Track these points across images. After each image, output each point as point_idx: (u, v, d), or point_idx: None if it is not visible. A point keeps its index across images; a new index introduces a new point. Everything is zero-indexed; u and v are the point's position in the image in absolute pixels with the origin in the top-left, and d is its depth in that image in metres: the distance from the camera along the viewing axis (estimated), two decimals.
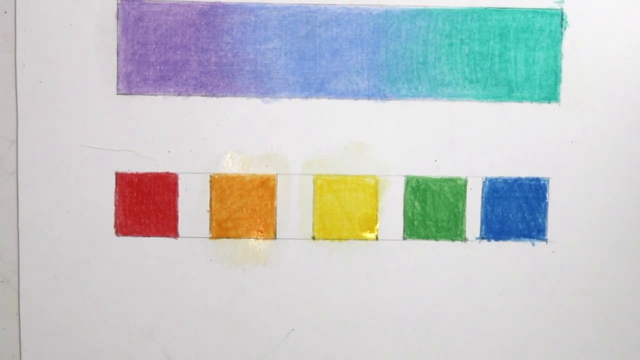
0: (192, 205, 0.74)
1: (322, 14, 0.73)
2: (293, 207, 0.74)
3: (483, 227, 0.75)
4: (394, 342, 0.76)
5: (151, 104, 0.73)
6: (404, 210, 0.75)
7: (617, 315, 0.76)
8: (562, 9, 0.73)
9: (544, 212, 0.75)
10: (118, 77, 0.73)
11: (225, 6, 0.72)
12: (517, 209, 0.75)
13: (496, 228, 0.75)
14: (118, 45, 0.73)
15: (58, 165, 0.73)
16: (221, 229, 0.74)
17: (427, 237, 0.75)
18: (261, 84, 0.73)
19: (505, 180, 0.74)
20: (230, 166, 0.74)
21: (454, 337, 0.76)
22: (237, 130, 0.73)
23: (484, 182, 0.74)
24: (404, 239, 0.75)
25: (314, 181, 0.74)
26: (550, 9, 0.73)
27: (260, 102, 0.73)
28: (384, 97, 0.73)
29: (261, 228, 0.74)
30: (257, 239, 0.74)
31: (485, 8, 0.73)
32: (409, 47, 0.73)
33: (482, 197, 0.74)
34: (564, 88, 0.74)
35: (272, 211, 0.74)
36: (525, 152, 0.74)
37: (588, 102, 0.74)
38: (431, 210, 0.74)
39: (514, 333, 0.76)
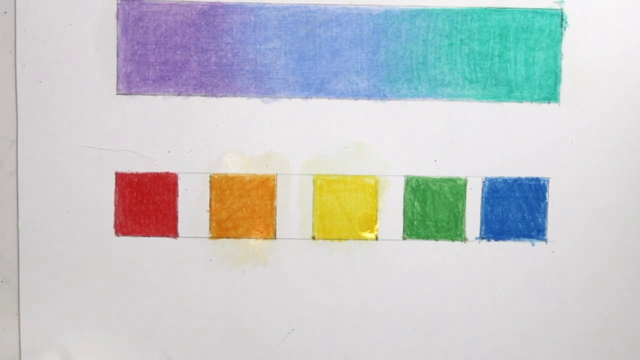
0: (192, 205, 0.74)
1: (321, 14, 0.73)
2: (293, 207, 0.74)
3: (483, 227, 0.75)
4: (394, 342, 0.76)
5: (151, 104, 0.73)
6: (404, 210, 0.75)
7: (616, 316, 0.76)
8: (562, 9, 0.73)
9: (543, 212, 0.75)
10: (118, 77, 0.73)
11: (225, 6, 0.72)
12: (516, 209, 0.75)
13: (496, 228, 0.75)
14: (118, 45, 0.73)
15: (58, 165, 0.73)
16: (221, 229, 0.74)
17: (426, 237, 0.75)
18: (261, 84, 0.73)
19: (505, 180, 0.74)
20: (230, 166, 0.74)
21: (454, 337, 0.76)
22: (236, 130, 0.73)
23: (484, 182, 0.74)
24: (404, 239, 0.75)
25: (313, 181, 0.74)
26: (550, 9, 0.73)
27: (260, 102, 0.73)
28: (383, 97, 0.73)
29: (261, 228, 0.74)
30: (257, 239, 0.74)
31: (485, 8, 0.73)
32: (408, 47, 0.73)
33: (482, 197, 0.75)
34: (564, 88, 0.74)
35: (272, 211, 0.74)
36: (525, 152, 0.74)
37: (588, 102, 0.74)
38: (431, 210, 0.74)
39: (513, 333, 0.76)
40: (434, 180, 0.74)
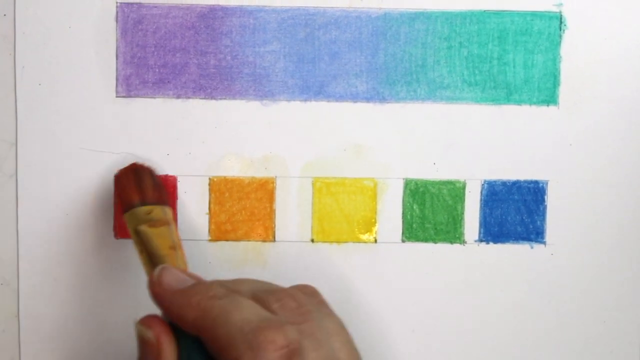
0: (191, 208, 0.74)
1: (321, 17, 0.73)
2: (292, 210, 0.74)
3: (481, 229, 0.75)
4: (393, 344, 0.76)
5: (150, 107, 0.73)
6: (403, 213, 0.75)
7: (615, 318, 0.76)
8: (560, 12, 0.73)
9: (542, 215, 0.75)
10: (117, 80, 0.73)
11: (225, 9, 0.72)
12: (515, 212, 0.75)
13: (495, 231, 0.75)
14: (117, 48, 0.73)
15: (57, 167, 0.73)
16: (220, 231, 0.74)
17: (425, 240, 0.75)
18: (260, 86, 0.73)
19: (503, 183, 0.74)
20: (229, 169, 0.74)
21: (453, 340, 0.76)
22: (236, 133, 0.73)
23: (483, 184, 0.74)
24: (403, 241, 0.75)
25: (312, 184, 0.74)
26: (549, 12, 0.73)
27: (259, 105, 0.73)
28: (382, 99, 0.73)
29: (260, 231, 0.74)
30: (256, 241, 0.74)
31: (484, 11, 0.73)
32: (407, 50, 0.73)
33: (481, 200, 0.75)
34: (563, 91, 0.74)
35: (271, 214, 0.74)
36: (523, 154, 0.74)
37: (587, 105, 0.74)
38: (430, 213, 0.75)
39: (512, 336, 0.76)
40: (433, 183, 0.74)
